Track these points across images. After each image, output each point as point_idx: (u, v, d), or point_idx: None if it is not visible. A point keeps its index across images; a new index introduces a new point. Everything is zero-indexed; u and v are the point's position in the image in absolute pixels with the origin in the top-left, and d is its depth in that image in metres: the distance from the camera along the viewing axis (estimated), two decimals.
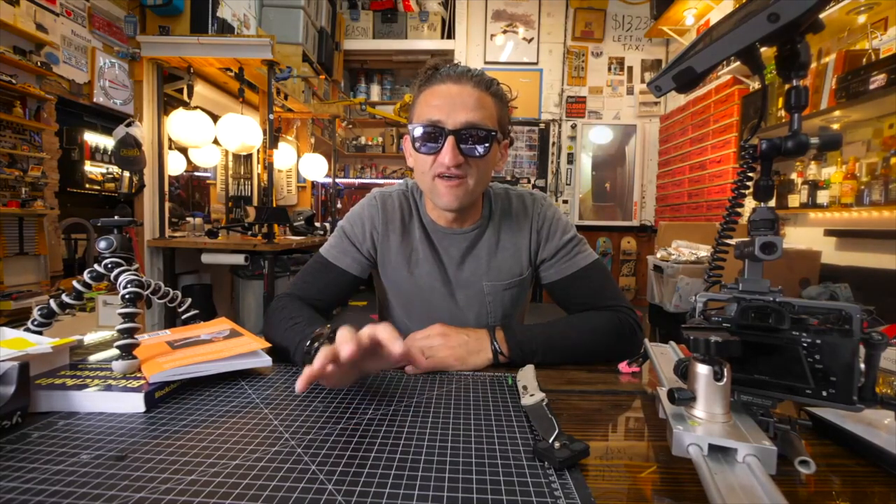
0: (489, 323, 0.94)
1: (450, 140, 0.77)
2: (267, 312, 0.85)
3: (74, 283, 0.69)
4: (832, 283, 2.24)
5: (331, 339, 0.64)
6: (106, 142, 2.94)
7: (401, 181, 1.00)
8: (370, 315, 4.36)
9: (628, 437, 0.52)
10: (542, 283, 0.95)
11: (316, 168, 4.05)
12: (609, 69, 5.25)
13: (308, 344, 0.66)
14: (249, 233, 3.15)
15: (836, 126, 2.61)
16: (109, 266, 0.67)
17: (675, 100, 4.79)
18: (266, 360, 0.66)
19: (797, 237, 3.01)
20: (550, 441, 0.43)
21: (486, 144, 0.80)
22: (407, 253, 0.93)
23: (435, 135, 0.79)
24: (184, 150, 3.17)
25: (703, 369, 0.41)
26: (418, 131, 0.80)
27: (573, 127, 5.26)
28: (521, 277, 0.94)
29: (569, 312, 0.90)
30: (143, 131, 2.63)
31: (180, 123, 2.67)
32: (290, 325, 0.75)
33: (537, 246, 0.93)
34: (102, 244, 0.67)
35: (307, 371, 0.50)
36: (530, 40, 5.25)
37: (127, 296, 0.62)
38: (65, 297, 0.69)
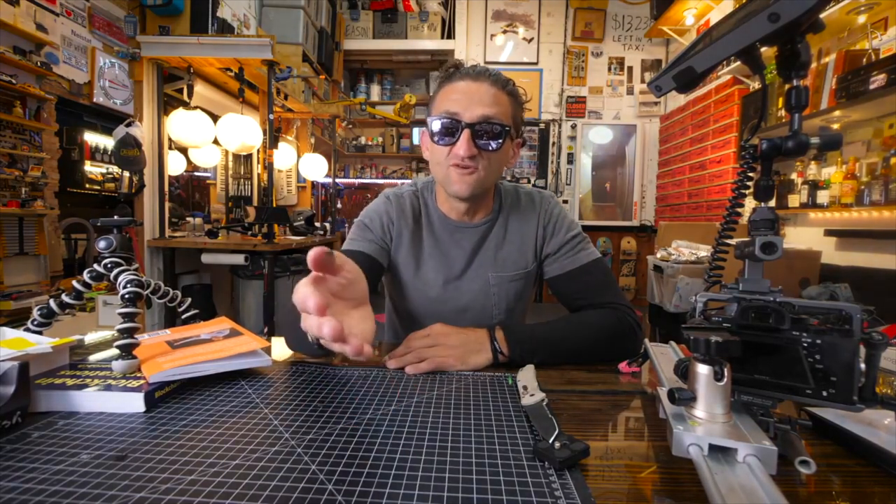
0: (493, 315, 0.97)
1: (465, 132, 0.81)
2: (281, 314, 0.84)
3: (74, 283, 0.69)
4: (832, 283, 2.24)
5: None
6: (106, 142, 2.94)
7: (410, 181, 1.04)
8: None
9: (628, 437, 0.52)
10: (545, 278, 0.97)
11: (316, 168, 4.05)
12: (609, 69, 5.25)
13: None
14: (249, 233, 3.15)
15: (836, 126, 2.60)
16: (109, 266, 0.67)
17: (675, 100, 4.79)
18: (266, 360, 0.66)
19: (797, 237, 3.01)
20: (550, 441, 0.43)
21: (500, 139, 0.83)
22: (416, 250, 0.97)
23: (452, 128, 0.82)
24: (184, 150, 3.17)
25: (703, 369, 0.41)
26: (436, 124, 0.84)
27: (573, 127, 5.26)
28: (526, 271, 0.97)
29: (569, 308, 0.92)
30: (143, 131, 2.63)
31: (180, 123, 2.67)
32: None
33: (542, 241, 0.96)
34: (102, 244, 0.67)
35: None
36: (530, 40, 5.24)
37: (127, 296, 0.62)
38: (65, 297, 0.69)
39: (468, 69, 0.87)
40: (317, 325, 0.42)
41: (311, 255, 0.45)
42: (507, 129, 0.83)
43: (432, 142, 0.86)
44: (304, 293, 0.43)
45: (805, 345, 0.41)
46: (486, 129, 0.82)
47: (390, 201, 0.98)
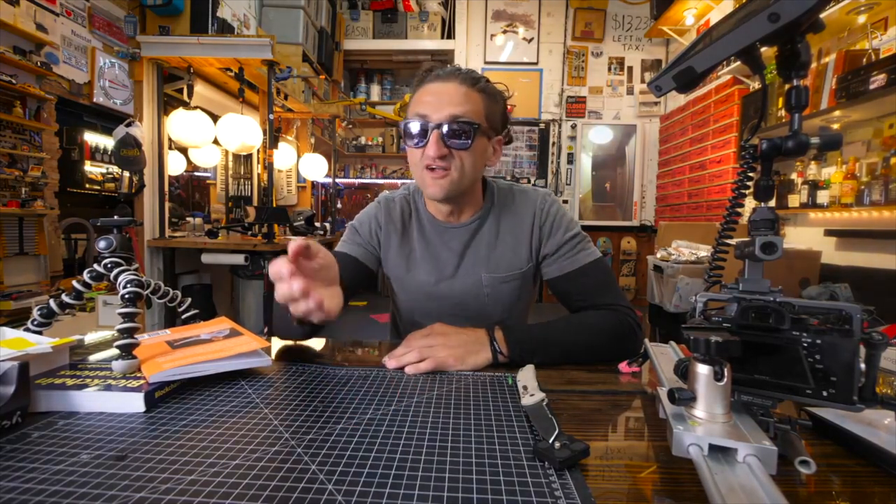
0: (489, 315, 0.96)
1: (434, 133, 0.82)
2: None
3: (74, 283, 0.69)
4: (832, 283, 2.24)
5: None
6: (106, 142, 2.95)
7: (406, 183, 1.03)
8: (370, 315, 4.36)
9: (628, 437, 0.52)
10: (544, 279, 0.97)
11: (316, 168, 4.05)
12: (609, 69, 5.25)
13: None
14: (249, 233, 3.15)
15: (836, 126, 2.61)
16: (109, 266, 0.67)
17: (675, 100, 4.79)
18: (266, 360, 0.66)
19: (797, 237, 3.01)
20: (550, 441, 0.43)
21: (470, 138, 0.83)
22: (406, 253, 0.97)
23: (422, 129, 0.83)
24: (184, 150, 3.17)
25: (703, 369, 0.41)
26: (408, 127, 0.85)
27: (573, 127, 5.26)
28: (521, 271, 0.95)
29: (569, 309, 0.92)
30: (143, 131, 2.63)
31: (180, 123, 2.67)
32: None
33: (539, 241, 0.95)
34: (102, 244, 0.67)
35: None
36: (530, 40, 5.24)
37: (126, 295, 0.62)
38: (65, 297, 0.69)
39: (439, 71, 0.87)
40: (287, 287, 0.54)
41: (292, 247, 0.56)
42: (477, 126, 0.83)
43: (406, 145, 0.87)
44: (278, 265, 0.55)
45: (805, 345, 0.41)
46: (456, 128, 0.82)
47: (380, 206, 0.99)
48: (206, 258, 2.74)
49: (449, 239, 0.96)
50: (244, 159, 3.94)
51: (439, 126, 0.82)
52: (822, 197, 2.61)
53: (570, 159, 5.30)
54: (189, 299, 0.82)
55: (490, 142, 0.90)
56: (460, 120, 0.82)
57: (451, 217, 0.95)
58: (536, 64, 5.25)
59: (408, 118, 0.86)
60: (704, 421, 0.41)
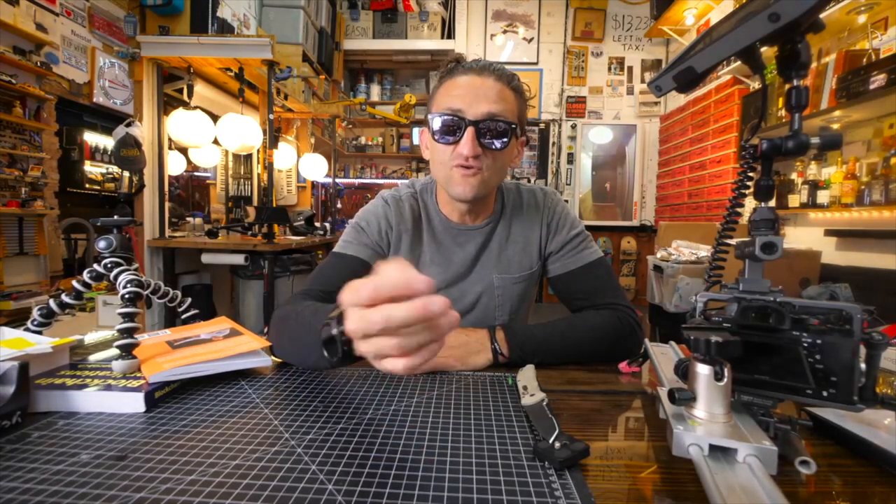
0: (496, 316, 0.96)
1: (469, 131, 0.78)
2: (274, 320, 0.74)
3: (74, 282, 0.69)
4: (832, 283, 2.24)
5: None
6: (106, 142, 2.95)
7: (407, 182, 1.00)
8: None
9: (628, 437, 0.52)
10: (547, 276, 0.96)
11: (316, 168, 4.05)
12: (609, 69, 5.25)
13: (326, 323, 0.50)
14: (249, 233, 3.15)
15: (836, 126, 2.60)
16: (109, 266, 0.67)
17: (675, 100, 4.78)
18: (266, 360, 0.66)
19: (797, 237, 3.01)
20: (550, 441, 0.43)
21: (505, 138, 0.80)
22: (416, 255, 0.94)
23: (455, 126, 0.79)
24: (184, 150, 3.17)
25: (703, 369, 0.41)
26: (438, 122, 0.80)
27: (573, 127, 5.26)
28: (531, 271, 0.95)
29: (570, 307, 0.92)
30: (143, 131, 2.63)
31: (180, 123, 2.67)
32: (303, 320, 0.63)
33: (546, 239, 0.94)
34: (102, 244, 0.67)
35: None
36: (530, 40, 5.24)
37: (126, 295, 0.62)
38: (64, 297, 0.69)
39: (471, 63, 0.82)
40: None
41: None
42: (514, 127, 0.80)
43: (433, 140, 0.82)
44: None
45: (805, 345, 0.41)
46: (491, 127, 0.78)
47: (388, 205, 0.94)
48: (206, 258, 2.74)
49: (464, 241, 0.94)
50: (244, 159, 3.94)
51: (475, 123, 0.77)
52: (823, 197, 2.60)
53: (570, 159, 5.30)
54: (189, 299, 0.82)
55: (516, 143, 0.86)
56: (497, 119, 0.78)
57: (468, 218, 0.92)
58: (536, 64, 5.25)
59: (436, 111, 0.80)
60: (704, 421, 0.41)
